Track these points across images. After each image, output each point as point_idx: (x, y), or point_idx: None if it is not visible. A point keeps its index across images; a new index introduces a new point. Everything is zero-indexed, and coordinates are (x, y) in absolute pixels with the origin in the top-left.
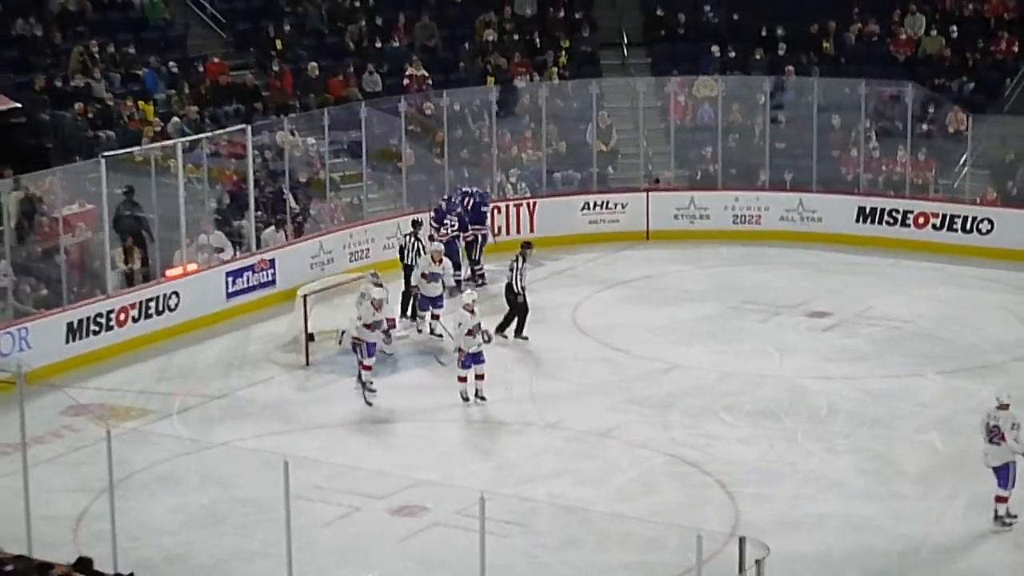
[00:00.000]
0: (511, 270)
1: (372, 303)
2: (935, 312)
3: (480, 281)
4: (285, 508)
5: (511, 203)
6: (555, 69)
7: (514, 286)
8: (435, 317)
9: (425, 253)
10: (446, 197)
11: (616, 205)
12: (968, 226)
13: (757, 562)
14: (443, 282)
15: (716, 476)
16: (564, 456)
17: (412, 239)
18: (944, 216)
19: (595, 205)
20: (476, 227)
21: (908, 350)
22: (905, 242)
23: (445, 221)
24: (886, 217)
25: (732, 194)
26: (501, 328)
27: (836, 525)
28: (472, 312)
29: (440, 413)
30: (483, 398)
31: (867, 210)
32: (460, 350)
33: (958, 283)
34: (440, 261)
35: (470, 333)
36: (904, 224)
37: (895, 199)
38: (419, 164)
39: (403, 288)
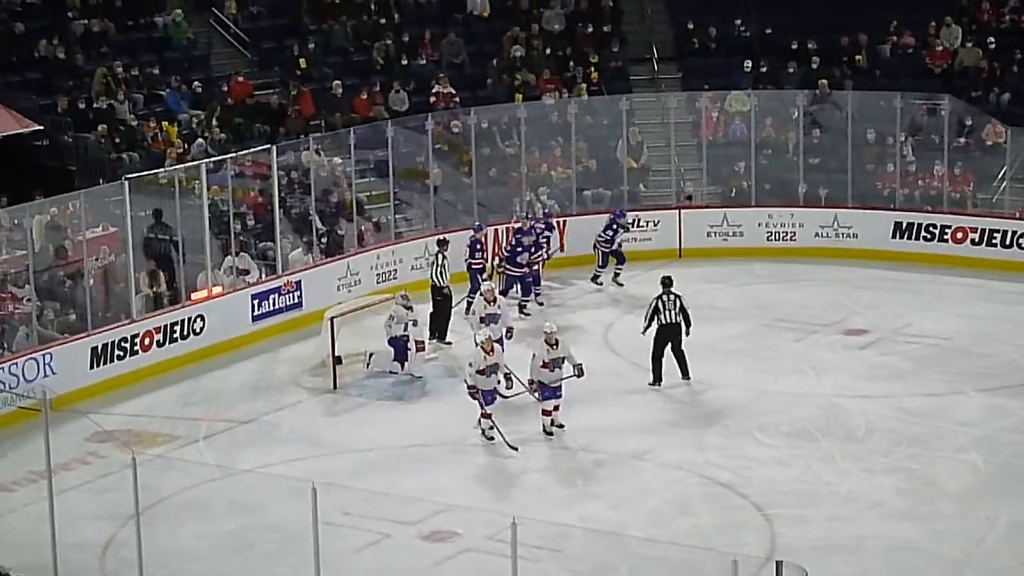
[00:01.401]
0: (431, 266)
1: (482, 347)
2: (974, 328)
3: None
4: (314, 535)
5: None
6: (584, 85)
7: (437, 282)
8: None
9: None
10: (523, 220)
11: (648, 223)
12: (1008, 241)
13: None
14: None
15: (752, 498)
16: (596, 479)
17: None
18: (983, 231)
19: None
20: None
21: (947, 367)
22: (943, 258)
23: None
24: (923, 232)
25: (766, 210)
26: (436, 333)
27: (875, 547)
28: (489, 352)
29: (470, 436)
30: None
31: (904, 225)
32: (475, 388)
33: (997, 299)
34: (494, 300)
35: (482, 372)
36: (942, 239)
37: (932, 214)
38: (447, 183)
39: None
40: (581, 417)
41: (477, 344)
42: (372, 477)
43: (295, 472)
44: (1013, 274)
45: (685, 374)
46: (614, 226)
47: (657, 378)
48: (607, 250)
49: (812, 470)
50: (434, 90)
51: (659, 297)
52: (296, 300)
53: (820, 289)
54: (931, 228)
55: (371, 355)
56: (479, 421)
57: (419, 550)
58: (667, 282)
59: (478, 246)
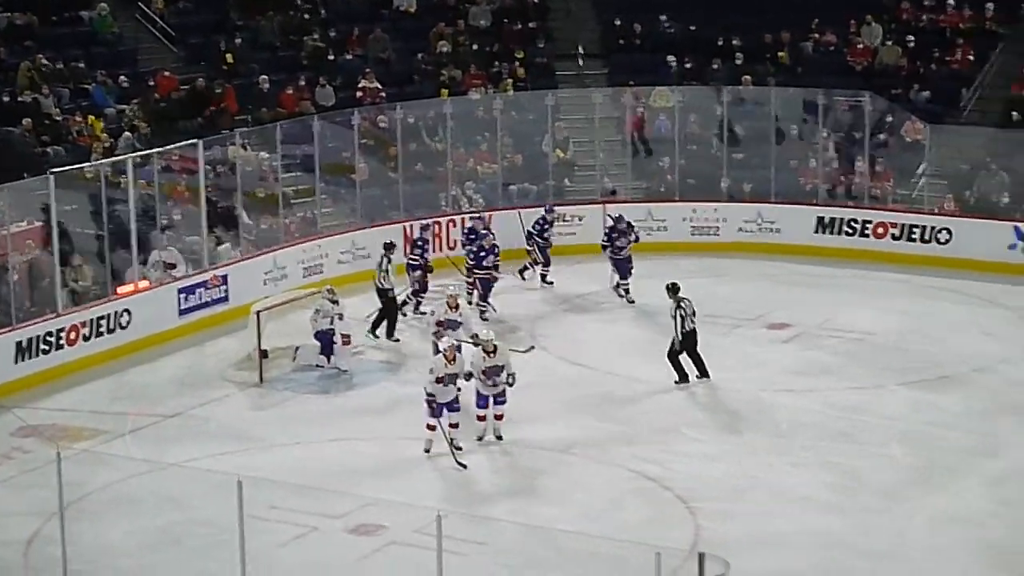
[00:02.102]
0: (377, 268)
1: (444, 354)
2: (897, 323)
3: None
4: (239, 529)
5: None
6: (510, 81)
7: (380, 284)
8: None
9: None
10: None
11: (573, 218)
12: (927, 236)
13: None
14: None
15: (678, 492)
16: (524, 473)
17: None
18: (903, 226)
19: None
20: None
21: (870, 362)
22: (865, 252)
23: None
24: (845, 227)
25: (690, 205)
26: (373, 328)
27: (801, 540)
28: (451, 360)
29: (398, 430)
30: (459, 447)
31: (826, 221)
32: (430, 396)
33: (919, 293)
34: (456, 307)
35: (440, 381)
36: (863, 234)
37: (854, 209)
38: (373, 178)
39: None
40: (510, 412)
41: (440, 351)
42: (299, 471)
43: (222, 466)
44: (933, 268)
45: (705, 373)
46: (546, 223)
47: (683, 377)
48: (545, 246)
49: (738, 464)
50: (360, 85)
51: (678, 305)
52: (223, 294)
53: (744, 284)
54: (853, 223)
55: (297, 349)
56: (426, 441)
57: (346, 543)
58: (676, 288)
59: (420, 243)
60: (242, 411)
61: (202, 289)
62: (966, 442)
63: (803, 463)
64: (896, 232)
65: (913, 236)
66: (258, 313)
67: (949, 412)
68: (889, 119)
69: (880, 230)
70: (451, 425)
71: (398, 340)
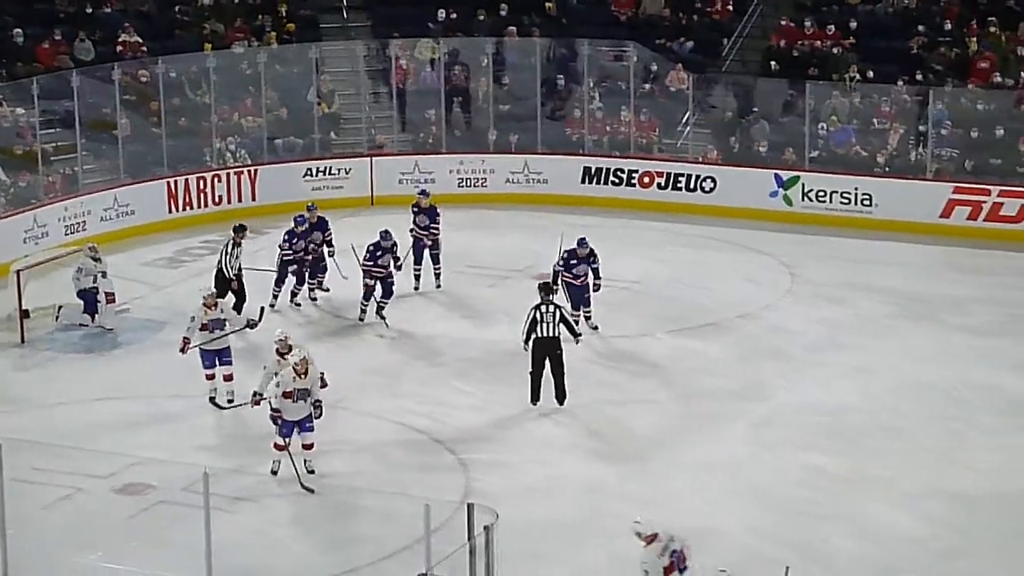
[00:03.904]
0: (222, 254)
1: (294, 368)
2: (663, 271)
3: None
4: None
5: (231, 171)
6: (274, 34)
7: (226, 272)
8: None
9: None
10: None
11: (340, 171)
12: (692, 184)
13: (486, 528)
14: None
15: (448, 444)
16: None
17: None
18: (668, 175)
19: (318, 171)
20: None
21: (638, 310)
22: (632, 202)
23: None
24: (611, 177)
25: (457, 157)
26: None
27: (569, 489)
28: (302, 374)
29: (165, 389)
30: (312, 471)
31: (592, 171)
32: (276, 411)
33: (684, 242)
34: (215, 305)
35: (288, 396)
36: (630, 184)
37: (620, 159)
38: (136, 133)
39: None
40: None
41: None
42: (63, 432)
43: None
44: (698, 217)
45: (560, 397)
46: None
47: (535, 397)
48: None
49: (507, 415)
50: (121, 40)
51: (536, 307)
52: None
53: (512, 235)
54: (619, 173)
55: (60, 308)
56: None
57: (113, 503)
58: (546, 289)
59: (379, 252)
60: (3, 372)
61: None
62: (731, 387)
63: (571, 412)
64: (662, 181)
65: (679, 185)
66: (18, 272)
67: (714, 358)
68: (654, 69)
69: (646, 179)
70: (304, 446)
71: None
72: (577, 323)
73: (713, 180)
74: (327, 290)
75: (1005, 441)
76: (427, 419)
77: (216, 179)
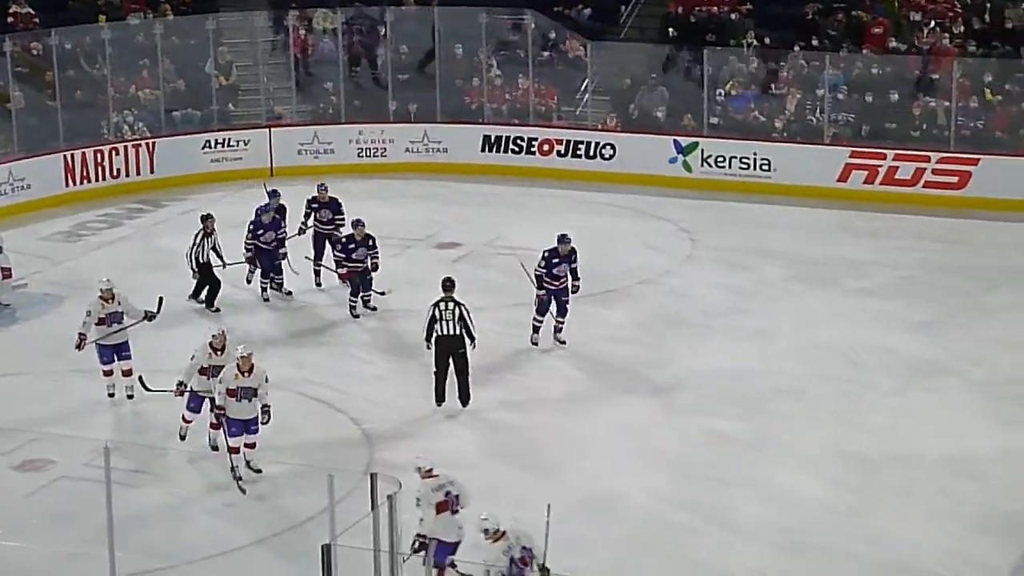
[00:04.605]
0: (194, 244)
1: (238, 363)
2: None
3: None
4: None
5: (129, 144)
6: (169, 5)
7: (189, 262)
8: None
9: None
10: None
11: (238, 142)
12: (592, 152)
13: (389, 498)
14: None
15: (351, 414)
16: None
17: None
18: (568, 143)
19: (217, 143)
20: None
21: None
22: (532, 170)
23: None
24: (511, 146)
25: (356, 127)
26: (195, 295)
27: (474, 458)
28: (243, 373)
29: (66, 364)
30: (258, 471)
31: (492, 139)
32: (219, 409)
33: (584, 209)
34: (112, 298)
35: (233, 394)
36: (529, 152)
37: (519, 127)
38: (30, 107)
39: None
40: (174, 339)
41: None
42: None
43: None
44: (598, 184)
45: (464, 399)
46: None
47: (440, 397)
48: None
49: (410, 385)
50: (12, 11)
51: (436, 304)
52: None
53: (412, 204)
54: (519, 141)
55: None
56: (231, 463)
57: (12, 480)
58: (447, 285)
59: (352, 244)
60: None
61: None
62: (633, 353)
63: (475, 381)
64: (561, 149)
65: (578, 152)
66: None
67: (616, 325)
68: (552, 36)
69: (546, 147)
70: (247, 446)
71: (218, 310)
72: (538, 330)
73: (612, 147)
74: (289, 293)
75: (901, 402)
76: (330, 390)
77: (114, 152)
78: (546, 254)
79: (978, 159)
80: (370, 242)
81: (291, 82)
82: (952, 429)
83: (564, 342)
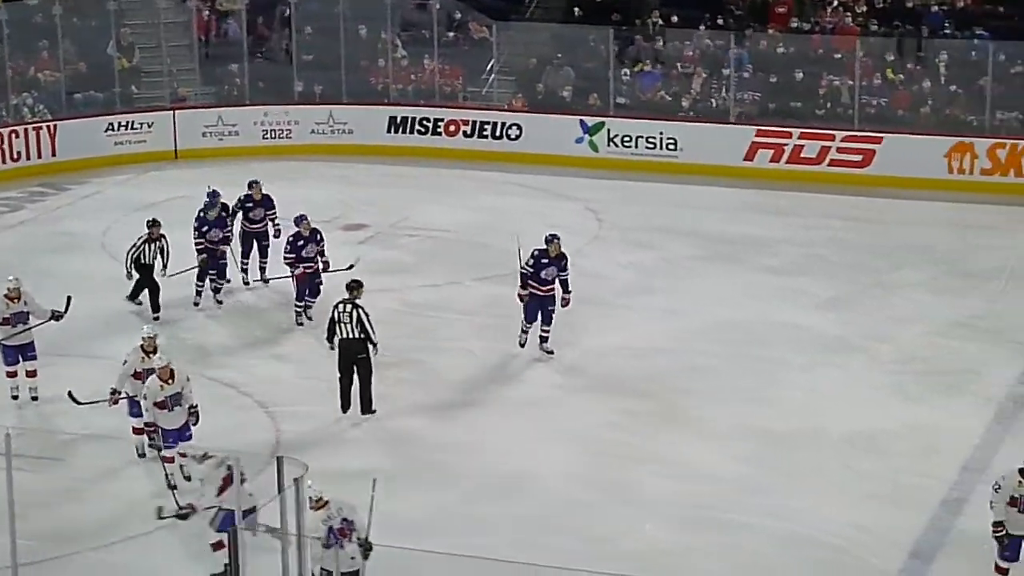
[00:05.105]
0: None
1: (159, 375)
2: (471, 219)
3: None
4: None
5: (30, 126)
6: None
7: (128, 261)
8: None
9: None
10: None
11: (142, 125)
12: (498, 132)
13: (296, 480)
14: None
15: (256, 397)
16: (99, 386)
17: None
18: (474, 123)
19: (120, 126)
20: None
21: (446, 259)
22: (438, 151)
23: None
24: (417, 127)
25: (261, 109)
26: (132, 296)
27: (379, 438)
28: (166, 381)
29: None
30: (188, 478)
31: (398, 120)
32: (149, 426)
33: (491, 190)
34: (18, 298)
35: (160, 406)
36: (435, 133)
37: (425, 108)
38: None
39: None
40: (81, 323)
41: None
42: None
43: None
44: (504, 164)
45: (365, 406)
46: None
47: (344, 403)
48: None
49: (314, 367)
50: None
51: (336, 305)
52: None
53: (318, 186)
54: (424, 122)
55: None
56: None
57: None
58: (351, 287)
59: (300, 241)
60: None
61: None
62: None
63: (381, 362)
64: (468, 129)
65: (484, 133)
66: None
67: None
68: (457, 17)
69: (452, 128)
70: (181, 454)
71: (157, 318)
72: (527, 333)
73: (519, 127)
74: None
75: (808, 379)
76: (235, 371)
77: (13, 135)
78: (536, 253)
79: (881, 137)
80: (318, 237)
81: (195, 64)
82: (858, 405)
83: (551, 352)
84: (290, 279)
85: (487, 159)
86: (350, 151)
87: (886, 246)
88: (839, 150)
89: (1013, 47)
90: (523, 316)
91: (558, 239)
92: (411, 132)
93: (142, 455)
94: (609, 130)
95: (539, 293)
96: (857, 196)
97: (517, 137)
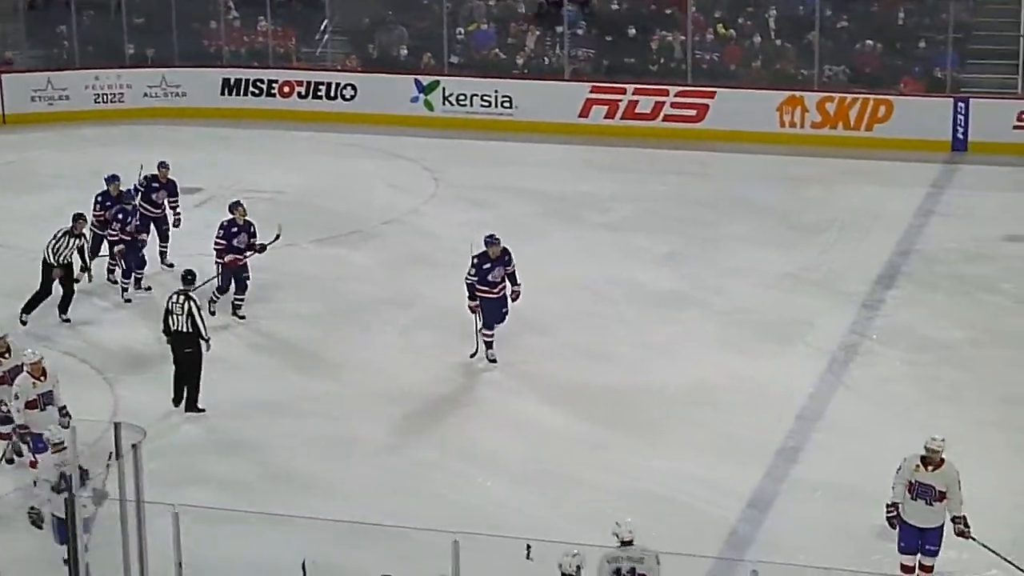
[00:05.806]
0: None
1: (29, 371)
2: (307, 181)
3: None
4: None
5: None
6: None
7: (48, 257)
8: None
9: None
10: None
11: None
12: (333, 93)
13: (134, 447)
14: None
15: (94, 364)
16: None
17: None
18: (308, 84)
19: None
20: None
21: (282, 220)
22: (272, 112)
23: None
24: (252, 88)
25: (92, 72)
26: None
27: (224, 405)
28: (38, 378)
29: None
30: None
31: (232, 82)
32: (22, 428)
33: (326, 151)
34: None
35: (32, 406)
36: (270, 94)
37: (259, 70)
38: None
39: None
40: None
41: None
42: None
43: None
44: (340, 125)
45: (190, 403)
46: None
47: (176, 397)
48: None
49: (156, 331)
50: None
51: (170, 296)
52: None
53: (152, 150)
54: (259, 83)
55: None
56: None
57: None
58: (186, 277)
59: (235, 229)
60: None
61: None
62: (379, 294)
63: (220, 327)
64: (302, 90)
65: (319, 93)
66: None
67: (361, 266)
68: None
69: (286, 89)
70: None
71: (68, 320)
72: (491, 344)
73: (353, 87)
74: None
75: (647, 334)
76: (73, 339)
77: None
78: (475, 260)
79: (714, 92)
80: (251, 228)
81: (21, 25)
82: (693, 359)
83: (494, 360)
84: (215, 265)
85: (322, 120)
86: (184, 114)
87: (720, 200)
88: (673, 105)
89: (839, 3)
90: (481, 324)
91: (497, 240)
92: (245, 94)
93: (10, 461)
94: (444, 89)
95: (491, 296)
96: (691, 151)
97: (352, 97)
